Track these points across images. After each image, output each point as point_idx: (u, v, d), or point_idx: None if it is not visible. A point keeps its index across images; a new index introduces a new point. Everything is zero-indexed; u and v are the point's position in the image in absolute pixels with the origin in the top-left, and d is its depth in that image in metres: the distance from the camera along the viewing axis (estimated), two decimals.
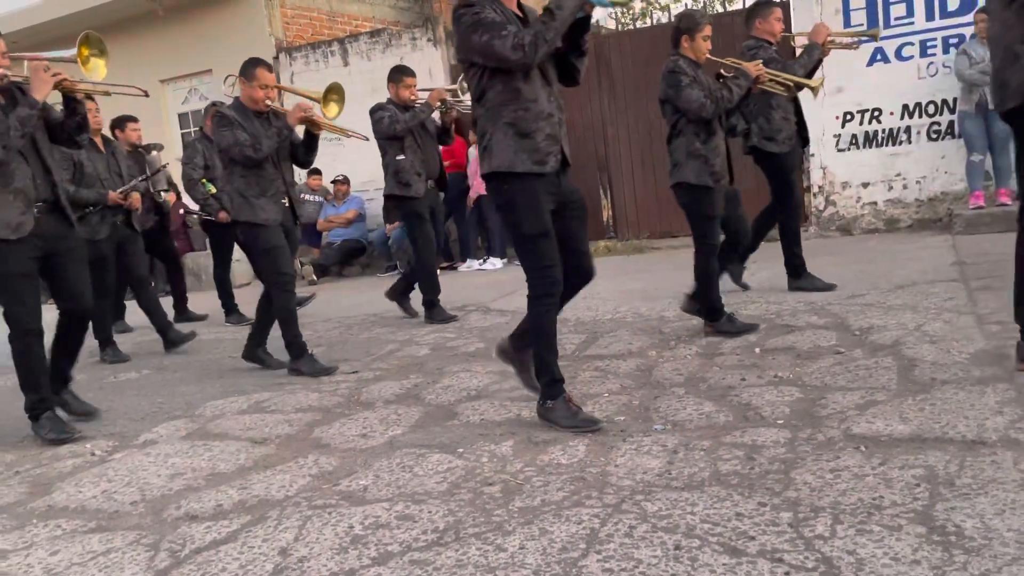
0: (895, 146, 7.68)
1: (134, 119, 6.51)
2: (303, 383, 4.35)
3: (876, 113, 7.68)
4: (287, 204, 4.70)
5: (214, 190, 6.54)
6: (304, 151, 4.76)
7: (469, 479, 2.71)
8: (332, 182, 9.86)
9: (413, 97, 5.73)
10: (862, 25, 7.61)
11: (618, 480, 2.55)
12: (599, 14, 3.35)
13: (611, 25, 15.00)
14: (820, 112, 7.83)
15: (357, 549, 2.28)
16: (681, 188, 4.33)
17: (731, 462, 2.60)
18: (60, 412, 3.90)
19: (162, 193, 6.62)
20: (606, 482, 2.54)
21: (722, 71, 4.54)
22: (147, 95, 4.32)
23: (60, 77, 3.54)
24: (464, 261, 9.08)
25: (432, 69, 9.43)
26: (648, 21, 12.61)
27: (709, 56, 4.39)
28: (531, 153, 3.04)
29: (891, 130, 7.67)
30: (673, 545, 2.08)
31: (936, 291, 4.66)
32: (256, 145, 4.42)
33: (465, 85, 6.08)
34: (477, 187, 8.77)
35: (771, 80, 4.65)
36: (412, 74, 5.82)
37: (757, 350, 3.96)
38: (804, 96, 5.39)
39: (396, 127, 5.58)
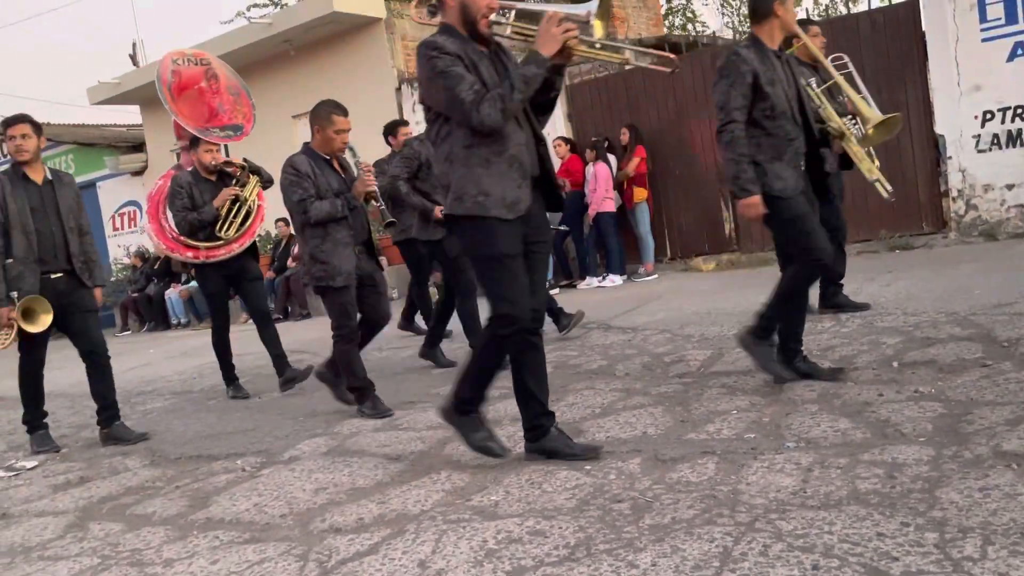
0: None
1: (405, 123, 6.58)
2: (433, 401, 4.48)
3: (1019, 110, 7.23)
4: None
5: None
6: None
7: (598, 496, 2.74)
8: None
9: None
10: (1000, 20, 7.20)
11: (750, 498, 2.51)
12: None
13: (728, 35, 14.75)
14: (957, 112, 7.45)
15: (492, 563, 2.34)
16: None
17: (870, 480, 2.52)
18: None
19: None
20: (738, 500, 2.51)
21: None
22: (674, 71, 3.25)
23: (571, 34, 2.86)
24: (583, 279, 9.12)
25: None
26: None
27: None
28: None
29: None
30: (811, 565, 2.04)
31: None
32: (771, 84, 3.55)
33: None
34: (595, 205, 8.82)
35: None
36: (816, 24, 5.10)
37: (895, 364, 3.81)
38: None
39: None
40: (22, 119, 4.59)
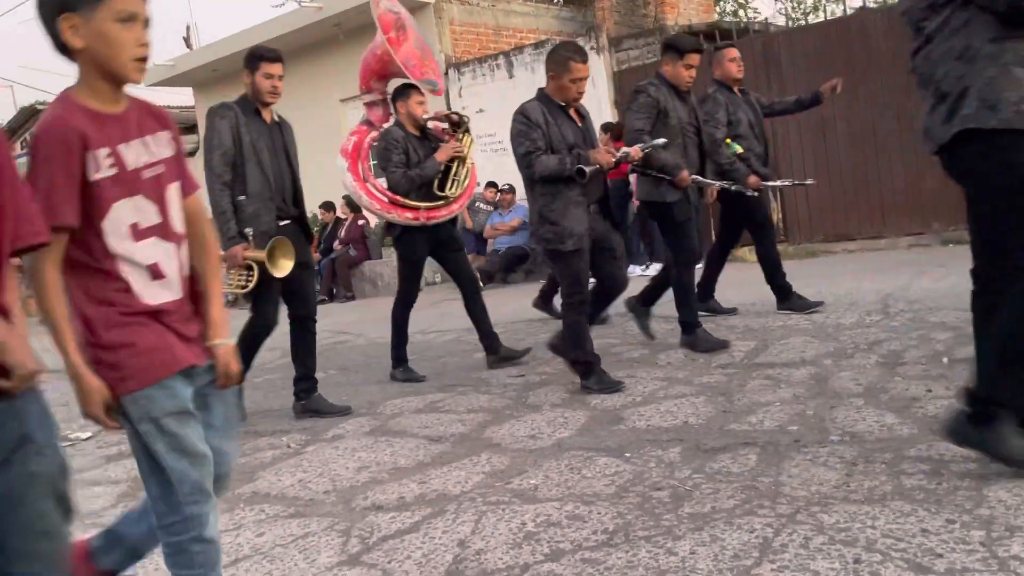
0: None
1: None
2: (473, 385, 4.52)
3: None
4: None
5: (740, 150, 5.20)
6: None
7: (637, 483, 2.74)
8: (498, 191, 10.17)
9: None
10: None
11: (792, 491, 2.50)
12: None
13: (780, 21, 14.48)
14: None
15: (530, 545, 2.37)
16: None
17: (916, 476, 2.48)
18: None
19: None
20: (779, 492, 2.50)
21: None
22: None
23: None
24: (627, 267, 9.07)
25: (595, 78, 9.48)
26: (821, 16, 12.06)
27: None
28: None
29: None
30: (852, 559, 2.02)
31: None
32: None
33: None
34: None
35: None
36: None
37: (945, 360, 3.73)
38: None
39: None
40: (281, 57, 4.08)
